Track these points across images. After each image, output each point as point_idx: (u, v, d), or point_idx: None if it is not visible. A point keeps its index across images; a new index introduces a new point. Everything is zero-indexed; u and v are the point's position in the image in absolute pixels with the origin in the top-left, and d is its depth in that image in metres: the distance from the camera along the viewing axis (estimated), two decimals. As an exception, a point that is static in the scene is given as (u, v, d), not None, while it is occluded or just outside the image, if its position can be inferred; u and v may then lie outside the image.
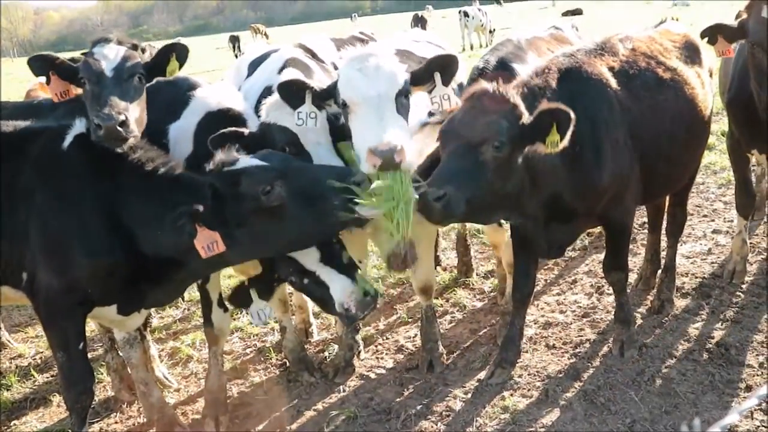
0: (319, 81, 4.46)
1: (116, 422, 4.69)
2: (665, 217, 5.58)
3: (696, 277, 5.75)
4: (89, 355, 5.42)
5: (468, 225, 6.33)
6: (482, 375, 4.66)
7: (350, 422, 4.33)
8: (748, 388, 4.18)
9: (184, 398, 4.92)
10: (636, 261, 6.01)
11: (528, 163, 3.78)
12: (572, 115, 3.56)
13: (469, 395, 4.46)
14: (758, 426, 3.84)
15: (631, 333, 4.72)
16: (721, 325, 4.95)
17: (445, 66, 3.83)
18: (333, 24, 68.53)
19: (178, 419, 4.46)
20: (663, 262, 5.52)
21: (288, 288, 4.81)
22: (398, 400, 4.51)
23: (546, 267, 6.30)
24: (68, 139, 3.68)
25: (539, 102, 3.87)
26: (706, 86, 4.89)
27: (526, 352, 4.89)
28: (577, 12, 41.00)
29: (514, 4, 62.01)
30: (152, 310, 5.55)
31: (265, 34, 39.29)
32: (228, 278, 6.47)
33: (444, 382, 4.66)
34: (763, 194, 6.79)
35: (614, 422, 4.02)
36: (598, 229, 6.25)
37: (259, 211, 3.45)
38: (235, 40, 36.88)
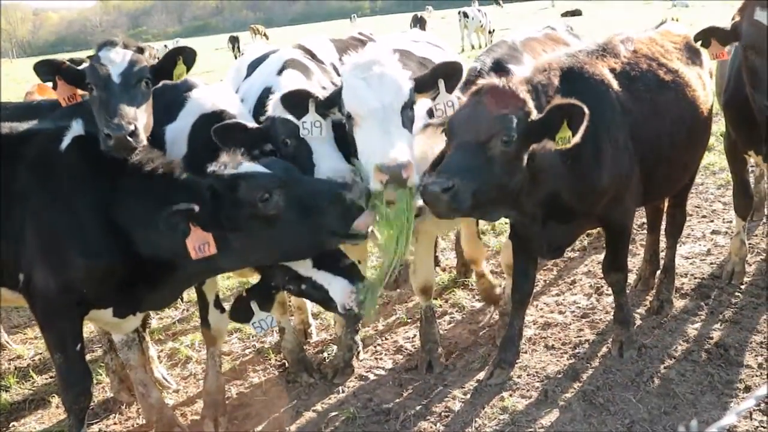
0: (318, 82, 4.46)
1: (115, 423, 4.69)
2: (664, 217, 5.59)
3: (695, 278, 5.75)
4: (88, 357, 5.45)
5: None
6: (481, 375, 4.66)
7: (349, 423, 4.33)
8: (747, 389, 4.18)
9: (183, 399, 4.92)
10: (635, 261, 6.02)
11: (529, 160, 3.77)
12: (586, 110, 3.54)
13: (468, 396, 4.46)
14: (757, 426, 3.84)
15: (631, 334, 4.72)
16: (720, 325, 4.95)
17: (449, 73, 3.82)
18: (332, 25, 68.58)
19: (177, 420, 4.45)
20: (662, 262, 5.52)
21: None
22: (397, 400, 4.51)
23: (545, 267, 6.30)
24: (66, 141, 3.67)
25: (542, 99, 3.87)
26: (707, 87, 4.90)
27: (525, 352, 4.89)
28: (576, 13, 41.05)
29: (513, 4, 62.03)
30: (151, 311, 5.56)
31: (265, 35, 39.32)
32: (227, 279, 6.47)
33: (443, 383, 4.66)
34: (762, 195, 6.80)
35: (613, 423, 4.02)
36: (597, 230, 6.25)
37: (254, 217, 3.44)
38: (234, 41, 36.91)
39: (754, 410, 3.93)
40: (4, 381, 5.28)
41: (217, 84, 5.32)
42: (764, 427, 3.82)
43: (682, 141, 4.63)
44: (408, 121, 3.66)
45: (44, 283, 3.59)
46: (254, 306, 3.88)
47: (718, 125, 8.69)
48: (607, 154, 4.11)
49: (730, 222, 6.60)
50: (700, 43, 4.59)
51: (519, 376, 4.59)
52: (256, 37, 38.40)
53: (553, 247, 4.42)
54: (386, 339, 5.39)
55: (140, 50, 3.88)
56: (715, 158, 8.62)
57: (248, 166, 3.54)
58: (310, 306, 5.59)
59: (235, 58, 33.51)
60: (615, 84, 4.24)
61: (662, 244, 5.68)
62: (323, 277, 3.72)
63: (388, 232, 3.60)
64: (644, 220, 5.98)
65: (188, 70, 4.01)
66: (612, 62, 4.37)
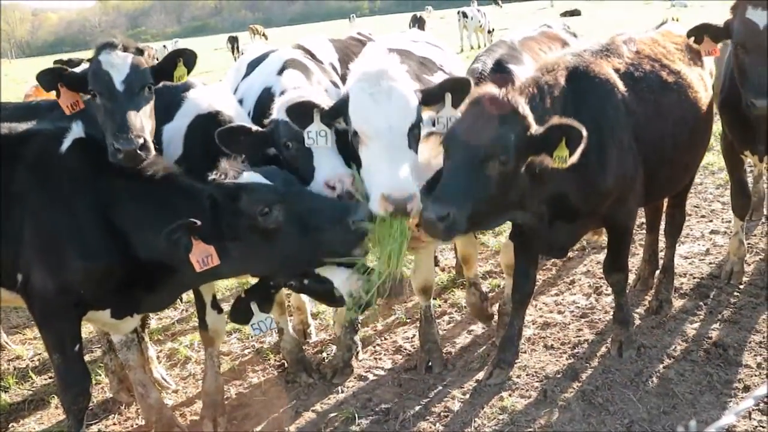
0: (318, 82, 4.46)
1: (114, 424, 4.68)
2: (664, 217, 5.59)
3: (694, 278, 5.76)
4: (87, 357, 5.45)
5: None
6: (480, 375, 4.66)
7: (348, 423, 4.33)
8: (746, 389, 4.18)
9: (182, 399, 4.92)
10: (634, 261, 6.02)
11: (530, 165, 3.75)
12: (584, 133, 3.52)
13: (468, 396, 4.46)
14: (756, 426, 3.84)
15: (630, 333, 4.72)
16: (719, 325, 4.95)
17: (457, 89, 3.81)
18: (331, 25, 68.57)
19: (177, 420, 4.45)
20: (661, 262, 5.52)
21: (285, 289, 4.80)
22: (396, 400, 4.51)
23: (544, 267, 6.30)
24: (66, 143, 3.67)
25: (547, 100, 3.87)
26: (708, 88, 4.90)
27: (525, 352, 4.89)
28: (575, 13, 41.04)
29: (512, 4, 62.01)
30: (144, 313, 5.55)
31: (264, 35, 39.30)
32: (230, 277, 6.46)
33: (442, 383, 4.66)
34: (761, 195, 6.81)
35: (612, 423, 4.02)
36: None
37: (253, 229, 3.44)
38: (233, 41, 36.86)
39: (753, 410, 3.93)
40: (4, 381, 5.28)
41: (216, 84, 5.32)
42: (763, 427, 3.83)
43: (684, 142, 4.63)
44: (414, 141, 3.66)
45: (42, 284, 3.59)
46: (254, 307, 3.87)
47: (718, 125, 8.69)
48: (612, 155, 4.11)
49: (729, 222, 6.61)
50: (693, 39, 4.61)
51: (518, 376, 4.59)
52: (255, 37, 38.37)
53: (557, 247, 4.42)
54: (385, 339, 5.40)
55: (140, 51, 3.87)
56: (714, 158, 8.62)
57: (250, 176, 3.51)
58: (310, 306, 5.59)
59: (234, 58, 33.49)
60: (620, 84, 4.24)
61: (661, 244, 5.68)
62: (326, 270, 3.71)
63: (382, 250, 3.62)
64: (643, 220, 5.98)
65: (189, 72, 4.01)
66: (616, 62, 4.37)
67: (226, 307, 4.41)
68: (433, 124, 3.95)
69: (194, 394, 4.94)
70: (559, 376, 4.55)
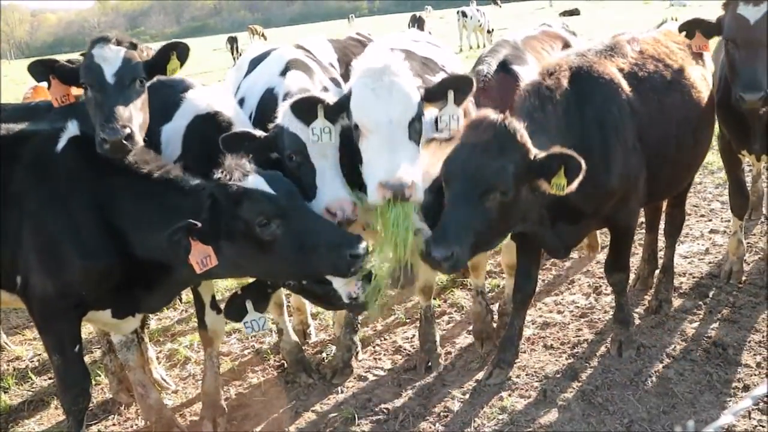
0: (320, 82, 4.45)
1: (114, 424, 4.68)
2: (663, 217, 5.59)
3: (693, 277, 5.76)
4: (87, 358, 5.44)
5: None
6: (480, 375, 4.66)
7: (348, 423, 4.33)
8: (746, 388, 4.18)
9: (182, 400, 4.92)
10: (633, 261, 6.01)
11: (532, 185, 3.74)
12: (583, 164, 3.51)
13: (467, 396, 4.46)
14: (756, 426, 3.84)
15: (630, 333, 4.72)
16: (719, 324, 4.95)
17: (459, 86, 3.81)
18: (330, 25, 68.57)
19: (176, 421, 4.45)
20: (661, 262, 5.52)
21: (285, 290, 4.80)
22: (396, 400, 4.51)
23: (544, 267, 6.30)
24: (62, 142, 3.67)
25: (549, 107, 3.87)
26: (710, 88, 4.90)
27: (524, 352, 4.89)
28: (574, 12, 41.03)
29: (511, 4, 62.03)
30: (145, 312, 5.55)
31: (263, 35, 39.25)
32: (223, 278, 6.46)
33: (442, 383, 4.66)
34: (760, 194, 6.81)
35: (612, 422, 4.02)
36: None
37: (249, 237, 3.42)
38: (233, 41, 36.81)
39: (752, 409, 3.94)
40: (3, 382, 5.28)
41: (215, 85, 5.31)
42: (763, 426, 3.83)
43: (687, 142, 4.63)
44: (415, 134, 3.65)
45: (42, 286, 3.59)
46: (248, 305, 3.84)
47: (717, 124, 8.69)
48: (617, 155, 4.10)
49: (729, 221, 6.60)
50: (684, 34, 4.64)
51: (518, 376, 4.59)
52: (255, 38, 38.31)
53: (561, 247, 4.41)
54: (385, 339, 5.40)
55: (133, 46, 3.85)
56: (713, 157, 8.60)
57: (254, 181, 3.47)
58: (309, 307, 5.59)
59: (234, 58, 33.48)
60: (624, 84, 4.24)
61: (660, 244, 5.68)
62: None
63: (387, 241, 3.62)
64: (643, 219, 5.98)
65: (182, 65, 3.98)
66: (620, 62, 4.38)
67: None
68: (436, 124, 3.94)
69: (194, 394, 4.94)
70: (558, 375, 4.55)
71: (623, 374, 4.45)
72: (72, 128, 3.70)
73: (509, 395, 4.39)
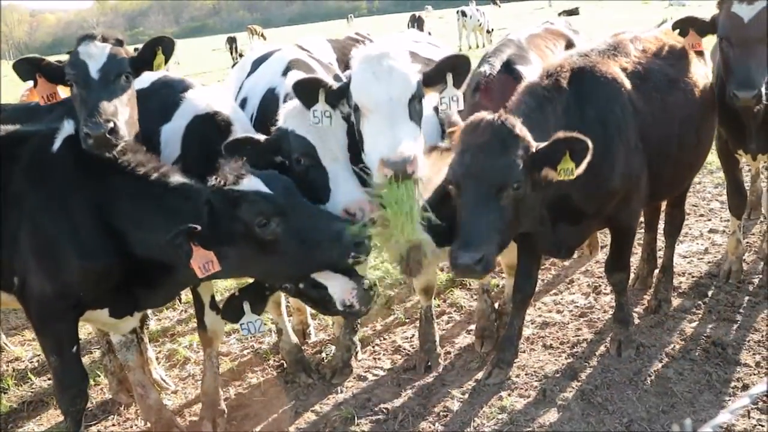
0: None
1: (114, 425, 4.68)
2: (663, 217, 5.59)
3: (693, 277, 5.76)
4: (87, 358, 5.45)
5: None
6: (480, 375, 4.66)
7: (348, 423, 4.33)
8: (745, 387, 4.19)
9: (181, 400, 4.92)
10: (633, 260, 6.01)
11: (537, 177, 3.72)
12: (589, 144, 3.51)
13: (467, 395, 4.46)
14: (755, 425, 3.85)
15: (629, 333, 4.72)
16: (718, 324, 4.96)
17: (457, 67, 3.79)
18: (329, 25, 68.56)
19: (176, 421, 4.45)
20: (660, 261, 5.52)
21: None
22: (396, 400, 4.51)
23: (543, 267, 6.30)
24: (57, 142, 3.66)
25: (547, 107, 3.86)
26: (712, 87, 4.90)
27: (524, 352, 4.89)
28: (573, 12, 41.03)
29: (510, 4, 62.01)
30: (149, 312, 5.56)
31: (262, 35, 39.21)
32: (225, 279, 6.46)
33: (441, 383, 4.67)
34: (759, 193, 6.81)
35: (611, 422, 4.02)
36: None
37: (250, 238, 3.41)
38: (232, 42, 36.78)
39: (752, 408, 3.94)
40: (3, 383, 5.27)
41: (215, 85, 5.31)
42: (762, 426, 3.83)
43: (689, 141, 4.63)
44: (416, 114, 3.64)
45: (39, 287, 3.58)
46: (246, 307, 3.82)
47: (715, 124, 8.69)
48: (619, 155, 4.10)
49: (728, 221, 6.60)
50: (678, 31, 4.66)
51: (517, 376, 4.60)
52: (254, 38, 38.27)
53: (564, 248, 4.40)
54: (384, 339, 5.40)
55: (119, 42, 3.85)
56: (712, 157, 8.53)
57: (250, 183, 3.46)
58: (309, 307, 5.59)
59: (233, 58, 33.43)
60: (627, 83, 4.24)
61: (660, 243, 5.68)
62: (322, 275, 3.66)
63: (393, 221, 3.59)
64: (642, 219, 5.98)
65: (167, 60, 3.98)
66: (623, 62, 4.37)
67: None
68: (436, 112, 3.91)
69: (193, 394, 4.94)
70: (558, 375, 4.55)
71: (622, 374, 4.45)
72: (68, 128, 3.69)
73: (509, 395, 4.40)
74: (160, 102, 4.21)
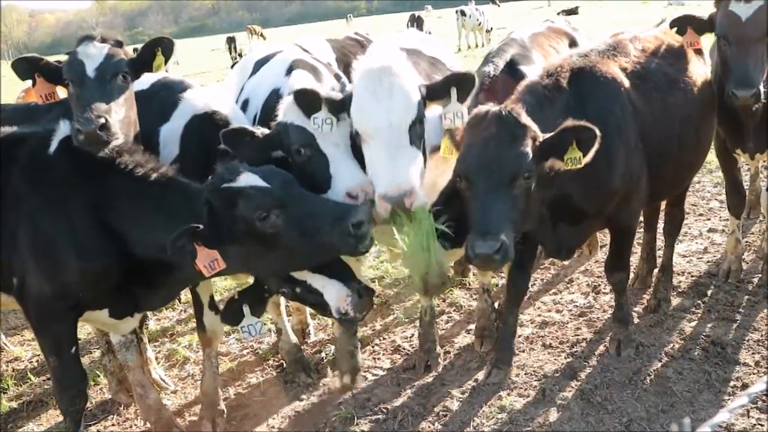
0: (326, 82, 4.42)
1: (113, 425, 4.68)
2: (663, 216, 5.59)
3: (692, 276, 5.76)
4: (86, 358, 5.45)
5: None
6: (479, 375, 4.66)
7: (347, 423, 4.33)
8: (745, 387, 4.19)
9: (181, 400, 4.92)
10: (632, 260, 6.01)
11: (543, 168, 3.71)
12: (597, 132, 3.50)
13: (466, 395, 4.46)
14: (755, 424, 3.85)
15: (629, 332, 4.72)
16: (717, 323, 4.96)
17: (462, 83, 3.77)
18: (329, 25, 68.57)
19: (175, 421, 4.45)
20: (659, 261, 5.53)
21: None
22: (395, 400, 4.51)
23: (542, 267, 6.30)
24: (54, 143, 3.65)
25: (546, 108, 3.86)
26: (711, 86, 4.90)
27: (523, 351, 4.89)
28: (573, 11, 41.02)
29: (509, 3, 61.99)
30: (149, 312, 5.55)
31: (262, 35, 39.19)
32: (224, 279, 6.46)
33: (441, 382, 4.67)
34: (758, 192, 6.81)
35: (611, 421, 4.02)
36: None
37: (252, 234, 3.39)
38: (231, 42, 36.78)
39: (751, 408, 3.94)
40: (2, 383, 5.28)
41: (214, 85, 5.31)
42: (762, 425, 3.83)
43: (689, 141, 4.62)
44: (416, 138, 3.62)
45: (38, 287, 3.58)
46: (245, 309, 3.80)
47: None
48: (619, 155, 4.08)
49: (727, 220, 6.61)
50: (676, 30, 4.66)
51: (517, 375, 4.60)
52: (253, 38, 38.28)
53: (565, 248, 4.39)
54: (384, 339, 5.39)
55: (119, 44, 3.85)
56: (711, 156, 8.54)
57: (247, 179, 3.45)
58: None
59: (232, 58, 33.40)
60: (627, 83, 4.23)
61: (659, 242, 5.68)
62: (318, 281, 3.64)
63: (412, 248, 3.60)
64: (641, 218, 5.98)
65: (166, 60, 3.97)
66: (623, 62, 4.36)
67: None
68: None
69: (193, 394, 4.94)
70: (557, 375, 4.55)
71: (622, 373, 4.46)
72: (64, 128, 3.68)
73: (508, 394, 4.40)
74: (159, 103, 4.21)
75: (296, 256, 3.51)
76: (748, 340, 4.69)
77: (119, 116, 3.63)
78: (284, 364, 5.08)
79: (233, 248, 3.43)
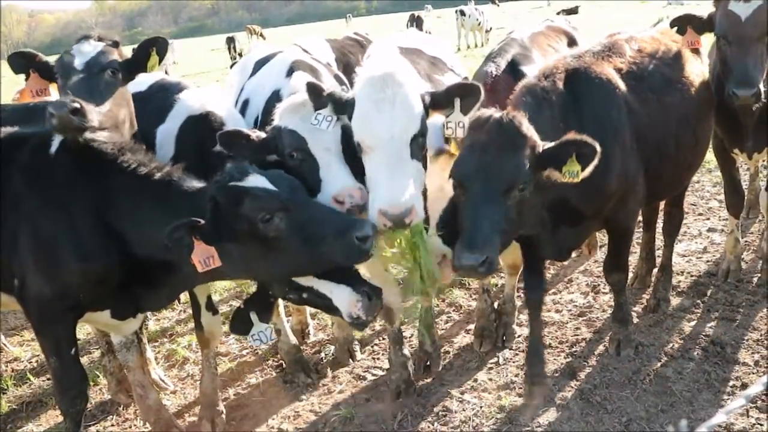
0: (325, 83, 4.42)
1: (113, 425, 4.68)
2: (662, 216, 5.59)
3: (691, 276, 5.77)
4: (86, 359, 5.45)
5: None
6: (479, 374, 4.67)
7: (347, 423, 4.33)
8: (744, 386, 4.19)
9: (180, 400, 4.92)
10: (632, 260, 6.01)
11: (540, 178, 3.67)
12: (597, 148, 3.46)
13: (466, 395, 4.47)
14: (754, 423, 3.85)
15: (628, 332, 4.72)
16: (717, 323, 4.96)
17: (466, 93, 3.71)
18: (328, 25, 68.57)
19: (175, 422, 4.45)
20: (659, 260, 5.53)
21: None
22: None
23: (542, 266, 6.30)
24: (55, 142, 3.65)
25: (545, 108, 3.85)
26: (709, 86, 4.90)
27: (523, 351, 4.89)
28: (573, 11, 41.03)
29: (508, 3, 61.99)
30: (148, 312, 5.55)
31: (261, 35, 39.20)
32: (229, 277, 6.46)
33: (440, 382, 4.67)
34: (757, 192, 6.81)
35: (610, 421, 4.02)
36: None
37: (253, 235, 3.37)
38: (231, 41, 36.77)
39: (750, 407, 3.95)
40: (2, 383, 5.27)
41: (213, 85, 5.31)
42: (761, 424, 3.83)
43: (687, 140, 4.61)
44: (418, 151, 3.57)
45: (38, 288, 3.57)
46: (253, 317, 3.77)
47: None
48: (615, 157, 4.06)
49: (726, 219, 6.61)
50: (676, 29, 4.66)
51: (516, 375, 4.60)
52: (253, 38, 38.28)
53: (562, 250, 4.37)
54: (383, 339, 5.39)
55: (115, 44, 3.85)
56: (710, 155, 8.54)
57: (254, 180, 3.43)
58: (309, 307, 5.59)
59: (231, 58, 33.40)
60: (622, 85, 4.20)
61: (658, 242, 5.68)
62: (325, 286, 3.58)
63: (407, 265, 3.62)
64: (640, 218, 5.98)
65: (161, 60, 3.95)
66: (618, 62, 4.33)
67: (223, 308, 4.39)
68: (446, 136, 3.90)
69: (192, 395, 4.94)
70: (557, 374, 4.55)
71: (621, 373, 4.46)
72: None
73: (507, 394, 4.40)
74: (156, 104, 4.22)
75: (295, 262, 3.47)
76: (747, 340, 4.69)
77: (102, 108, 3.61)
78: (283, 365, 5.08)
79: (232, 247, 3.41)
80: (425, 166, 3.68)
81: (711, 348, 4.63)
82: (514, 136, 3.50)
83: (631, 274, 5.72)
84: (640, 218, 5.84)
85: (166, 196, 3.53)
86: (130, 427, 4.64)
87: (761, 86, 4.29)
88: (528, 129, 3.55)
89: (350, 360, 5.10)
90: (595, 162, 3.50)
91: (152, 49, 3.92)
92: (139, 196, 3.55)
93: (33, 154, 3.65)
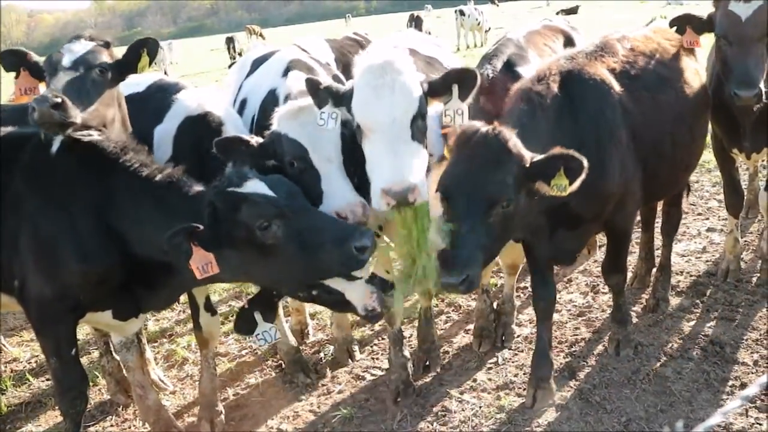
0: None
1: (112, 425, 4.68)
2: (660, 216, 5.59)
3: (690, 276, 5.77)
4: (85, 359, 5.45)
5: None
6: (478, 375, 4.67)
7: (346, 423, 4.33)
8: (743, 386, 4.19)
9: (180, 401, 4.92)
10: (630, 260, 6.01)
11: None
12: (585, 163, 3.42)
13: (465, 395, 4.47)
14: (753, 423, 3.85)
15: (628, 332, 4.72)
16: (716, 323, 4.96)
17: (463, 80, 3.71)
18: (327, 25, 68.55)
19: (174, 422, 4.45)
20: (658, 260, 5.53)
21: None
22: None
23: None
24: (56, 142, 3.64)
25: (538, 112, 3.84)
26: (704, 84, 4.89)
27: (522, 351, 4.90)
28: (572, 11, 41.02)
29: (508, 3, 61.95)
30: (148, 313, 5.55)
31: (261, 35, 39.16)
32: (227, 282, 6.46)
33: (440, 382, 4.67)
34: (757, 192, 6.82)
35: (610, 421, 4.02)
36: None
37: (251, 242, 3.35)
38: (230, 42, 36.75)
39: (750, 407, 3.95)
40: (1, 384, 5.27)
41: (212, 85, 5.31)
42: (760, 424, 3.84)
43: (683, 139, 4.60)
44: (419, 133, 3.56)
45: (39, 289, 3.57)
46: (257, 317, 3.75)
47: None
48: (612, 159, 4.05)
49: (726, 219, 6.61)
50: (675, 29, 4.66)
51: (515, 375, 4.60)
52: (252, 38, 38.24)
53: (566, 254, 4.36)
54: (382, 339, 5.39)
55: (106, 44, 3.85)
56: (709, 155, 8.54)
57: (254, 186, 3.41)
58: (308, 307, 5.59)
59: (231, 58, 33.40)
60: (615, 85, 4.18)
61: (657, 242, 5.68)
62: (337, 281, 3.54)
63: (404, 241, 3.58)
64: (639, 218, 5.97)
65: (151, 62, 3.95)
66: (611, 62, 4.31)
67: (222, 309, 4.39)
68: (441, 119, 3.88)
69: (192, 395, 4.94)
70: (556, 374, 4.54)
71: (621, 373, 4.46)
72: None
73: (507, 394, 4.40)
74: (153, 104, 4.22)
75: (293, 270, 3.45)
76: (746, 340, 4.69)
77: (88, 106, 3.59)
78: (283, 365, 5.08)
79: (230, 253, 3.39)
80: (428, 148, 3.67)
81: (710, 348, 4.63)
82: (498, 153, 3.45)
83: (630, 274, 5.73)
84: (638, 218, 5.84)
85: (167, 198, 3.53)
86: (130, 427, 4.64)
87: (762, 87, 4.29)
88: (515, 145, 3.49)
89: (349, 360, 5.11)
90: (583, 176, 3.45)
91: (143, 50, 3.91)
92: (141, 197, 3.55)
93: (34, 153, 3.65)
